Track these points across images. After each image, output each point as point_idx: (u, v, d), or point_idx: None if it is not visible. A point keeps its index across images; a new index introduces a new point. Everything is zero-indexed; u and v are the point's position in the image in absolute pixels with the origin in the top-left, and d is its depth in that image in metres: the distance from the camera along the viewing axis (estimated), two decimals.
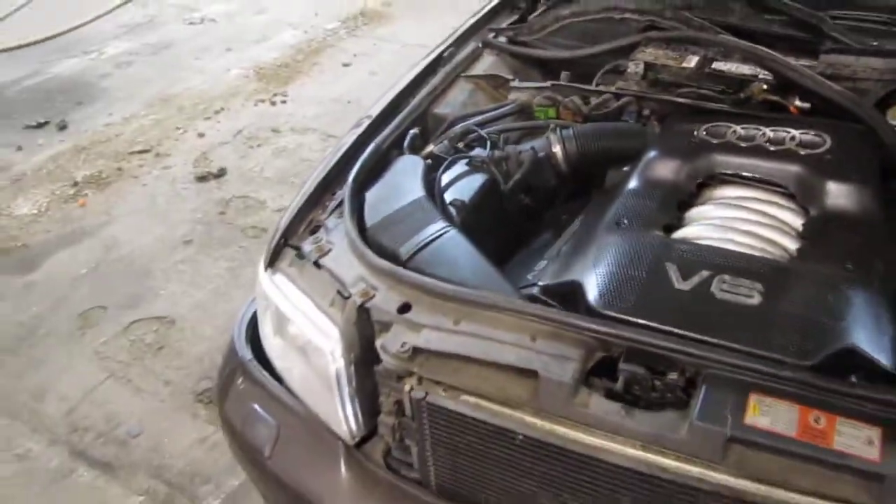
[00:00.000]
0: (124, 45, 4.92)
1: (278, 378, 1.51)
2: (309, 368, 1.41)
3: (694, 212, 1.42)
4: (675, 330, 1.14)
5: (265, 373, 1.51)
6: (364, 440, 1.38)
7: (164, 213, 3.26)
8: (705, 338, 1.13)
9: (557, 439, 1.14)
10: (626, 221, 1.38)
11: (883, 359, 1.11)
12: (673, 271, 1.23)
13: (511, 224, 1.60)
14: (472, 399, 1.19)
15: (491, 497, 1.27)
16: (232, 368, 1.56)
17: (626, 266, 1.26)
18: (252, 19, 5.11)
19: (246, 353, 1.55)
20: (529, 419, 1.16)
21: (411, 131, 1.69)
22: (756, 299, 1.17)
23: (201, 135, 3.78)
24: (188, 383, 2.42)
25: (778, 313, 1.15)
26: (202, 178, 3.45)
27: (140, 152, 3.70)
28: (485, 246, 1.40)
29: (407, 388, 1.24)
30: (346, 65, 4.53)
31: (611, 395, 1.12)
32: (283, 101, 4.08)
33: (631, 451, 1.10)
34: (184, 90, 4.23)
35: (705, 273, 1.21)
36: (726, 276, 1.20)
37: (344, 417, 1.35)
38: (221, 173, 3.48)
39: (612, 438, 1.11)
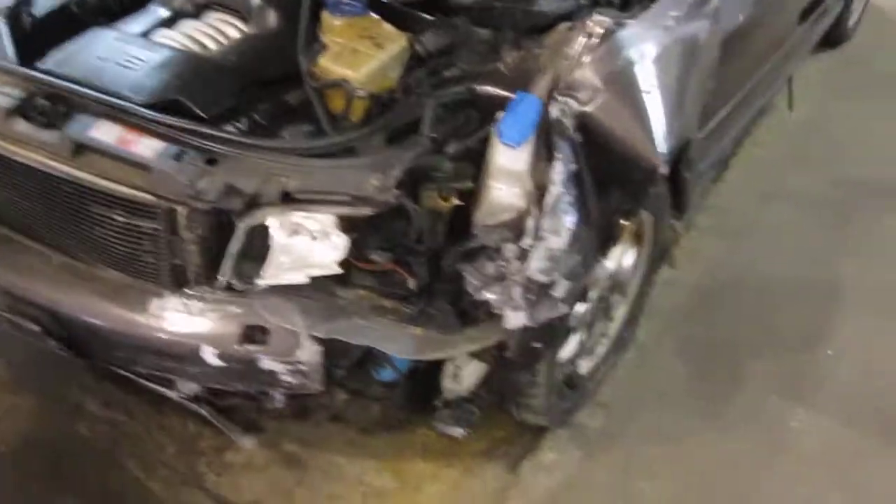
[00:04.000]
0: None
1: None
2: None
3: (180, 24, 1.95)
4: (77, 80, 1.69)
5: None
6: None
7: None
8: (91, 84, 1.68)
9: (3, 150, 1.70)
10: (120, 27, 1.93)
11: (199, 109, 1.66)
12: (101, 49, 1.78)
13: None
14: None
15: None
16: None
17: (76, 46, 1.81)
18: None
19: None
20: None
21: None
22: (136, 67, 1.72)
23: None
24: None
25: (146, 76, 1.70)
26: None
27: None
28: None
29: None
30: None
31: (30, 119, 1.68)
32: None
33: (34, 155, 1.66)
34: None
35: (119, 51, 1.76)
36: (131, 54, 1.75)
37: None
38: None
39: (29, 147, 1.66)
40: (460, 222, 1.65)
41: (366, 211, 1.54)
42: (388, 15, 1.86)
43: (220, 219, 1.58)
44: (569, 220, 1.57)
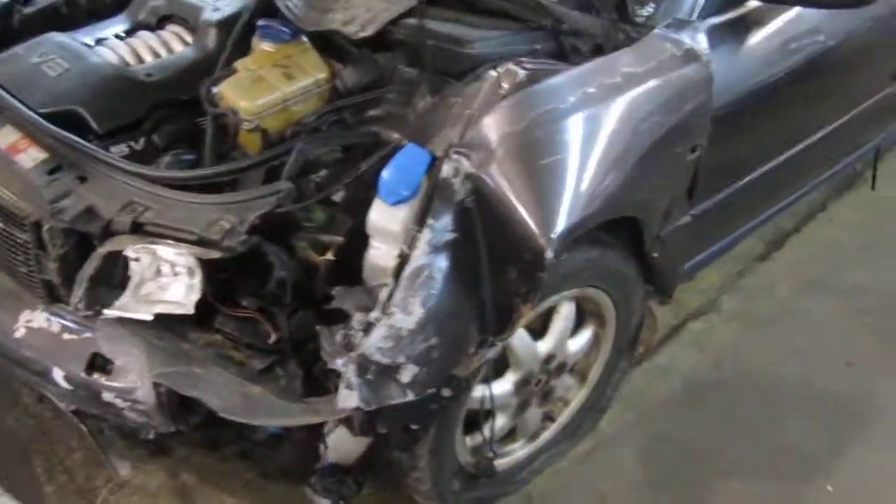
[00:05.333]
0: None
1: None
2: None
3: (135, 35, 1.93)
4: (5, 79, 1.70)
5: None
6: None
7: None
8: (14, 86, 1.68)
9: None
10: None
11: (94, 122, 1.65)
12: (41, 53, 1.77)
13: None
14: None
15: None
16: None
17: (25, 47, 1.82)
18: None
19: None
20: None
21: None
22: (57, 73, 1.70)
23: None
24: None
25: (61, 83, 1.69)
26: None
27: None
28: None
29: None
30: None
31: None
32: None
33: None
34: None
35: (54, 56, 1.75)
36: (57, 59, 1.74)
37: None
38: None
39: None
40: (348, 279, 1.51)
41: (214, 254, 1.43)
42: (322, 43, 1.75)
43: (82, 240, 1.53)
44: (425, 297, 1.37)
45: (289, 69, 1.64)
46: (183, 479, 1.96)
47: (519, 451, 1.95)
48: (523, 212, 1.38)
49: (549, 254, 1.37)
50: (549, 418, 2.01)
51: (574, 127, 1.45)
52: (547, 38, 1.69)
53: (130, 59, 1.82)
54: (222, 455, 2.01)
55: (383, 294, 1.38)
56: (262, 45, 1.72)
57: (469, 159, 1.41)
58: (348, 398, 1.37)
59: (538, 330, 1.79)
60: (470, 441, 1.82)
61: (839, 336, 2.36)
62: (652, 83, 1.59)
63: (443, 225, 1.39)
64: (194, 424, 1.61)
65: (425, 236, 1.38)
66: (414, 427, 1.56)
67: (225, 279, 1.54)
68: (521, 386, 1.79)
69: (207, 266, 1.47)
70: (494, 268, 1.45)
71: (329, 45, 1.74)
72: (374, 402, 1.37)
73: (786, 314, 2.43)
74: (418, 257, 1.37)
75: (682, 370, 2.25)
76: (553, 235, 1.37)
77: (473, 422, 1.80)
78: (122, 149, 1.64)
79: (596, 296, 1.82)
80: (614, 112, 1.50)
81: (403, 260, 1.38)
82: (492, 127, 1.41)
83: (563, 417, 2.01)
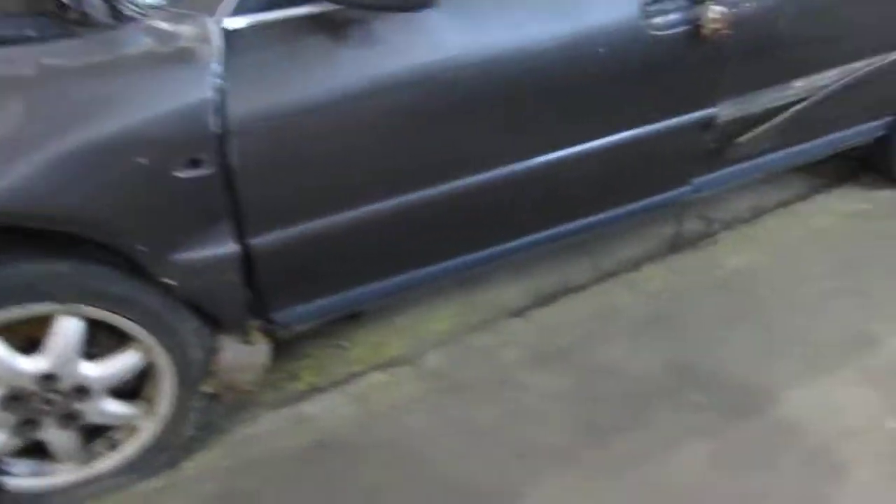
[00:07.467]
0: None
1: None
2: None
3: None
4: None
5: None
6: None
7: None
8: None
9: None
10: None
11: None
12: None
13: None
14: None
15: None
16: None
17: None
18: None
19: None
20: None
21: None
22: None
23: None
24: None
25: None
26: None
27: None
28: None
29: None
30: None
31: None
32: None
33: None
34: None
35: None
36: None
37: None
38: None
39: None
40: None
41: None
42: None
43: None
44: None
45: None
46: None
47: (65, 474, 1.79)
48: None
49: None
50: (112, 446, 1.83)
51: None
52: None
53: None
54: None
55: None
56: None
57: None
58: None
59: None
60: None
61: (534, 423, 1.92)
62: (91, 81, 1.37)
63: None
64: None
65: None
66: None
67: None
68: (10, 402, 1.62)
69: None
70: None
71: None
72: None
73: (493, 385, 2.03)
74: None
75: (322, 424, 1.95)
76: None
77: None
78: None
79: (111, 319, 1.61)
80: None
81: None
82: None
83: (130, 449, 1.81)
